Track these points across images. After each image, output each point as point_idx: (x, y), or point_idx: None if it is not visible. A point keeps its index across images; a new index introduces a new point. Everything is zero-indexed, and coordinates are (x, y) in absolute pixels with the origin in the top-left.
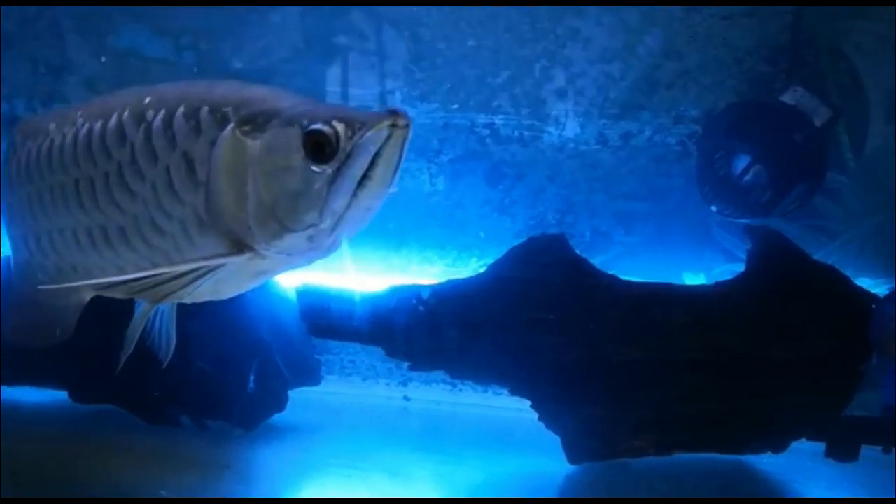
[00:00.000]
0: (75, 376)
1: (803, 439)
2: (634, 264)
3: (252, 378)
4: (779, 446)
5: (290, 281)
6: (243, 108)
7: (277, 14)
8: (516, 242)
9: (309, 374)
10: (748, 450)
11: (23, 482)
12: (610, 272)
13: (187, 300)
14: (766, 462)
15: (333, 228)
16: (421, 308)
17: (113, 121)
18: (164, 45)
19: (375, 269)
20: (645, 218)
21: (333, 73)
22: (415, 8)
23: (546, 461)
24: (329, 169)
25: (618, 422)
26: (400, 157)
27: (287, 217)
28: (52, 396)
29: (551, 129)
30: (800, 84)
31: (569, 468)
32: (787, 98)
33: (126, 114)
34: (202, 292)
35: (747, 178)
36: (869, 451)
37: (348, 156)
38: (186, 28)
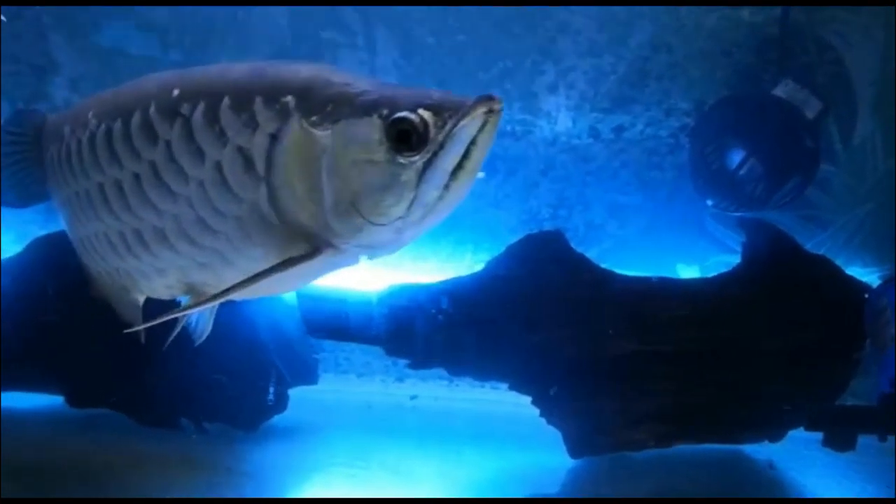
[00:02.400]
0: (72, 381)
1: (801, 428)
2: (628, 257)
3: (257, 381)
4: (776, 435)
5: None
6: (306, 96)
7: (265, 10)
8: (510, 237)
9: (306, 374)
10: (746, 439)
11: (23, 487)
12: (604, 265)
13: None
14: (764, 451)
15: (422, 219)
16: (432, 309)
17: (136, 118)
18: (149, 42)
19: (369, 265)
20: (638, 210)
21: None
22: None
23: (547, 456)
24: (419, 160)
25: (618, 415)
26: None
27: (372, 211)
28: (48, 401)
29: (543, 123)
30: (790, 77)
31: (571, 462)
32: (779, 91)
33: (152, 109)
34: (258, 289)
35: (742, 171)
36: (866, 440)
37: (440, 146)
38: (172, 25)
